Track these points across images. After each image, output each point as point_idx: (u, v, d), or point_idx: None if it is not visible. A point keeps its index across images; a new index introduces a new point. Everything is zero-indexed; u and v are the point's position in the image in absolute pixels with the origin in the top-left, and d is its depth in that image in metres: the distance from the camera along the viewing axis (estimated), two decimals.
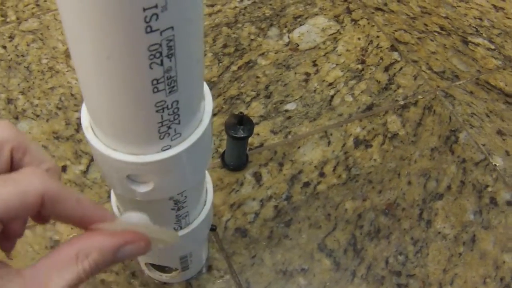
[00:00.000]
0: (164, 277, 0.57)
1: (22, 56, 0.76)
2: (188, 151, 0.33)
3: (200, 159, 0.36)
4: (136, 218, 0.31)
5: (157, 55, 0.25)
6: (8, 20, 0.80)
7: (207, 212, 0.46)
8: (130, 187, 0.34)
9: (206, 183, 0.46)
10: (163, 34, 0.24)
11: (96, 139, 0.32)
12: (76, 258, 0.28)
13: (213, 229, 0.55)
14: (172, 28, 0.24)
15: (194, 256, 0.53)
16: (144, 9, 0.23)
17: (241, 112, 0.60)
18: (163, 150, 0.32)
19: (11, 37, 0.78)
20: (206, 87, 0.35)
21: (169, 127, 0.30)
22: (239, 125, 0.60)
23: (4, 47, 0.76)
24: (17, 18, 0.80)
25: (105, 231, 0.30)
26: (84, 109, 0.33)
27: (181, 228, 0.44)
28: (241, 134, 0.60)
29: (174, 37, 0.25)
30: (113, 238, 0.30)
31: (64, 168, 0.65)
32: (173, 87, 0.28)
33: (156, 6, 0.23)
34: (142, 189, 0.34)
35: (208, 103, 0.34)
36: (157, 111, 0.28)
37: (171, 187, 0.36)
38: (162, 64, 0.26)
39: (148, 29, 0.24)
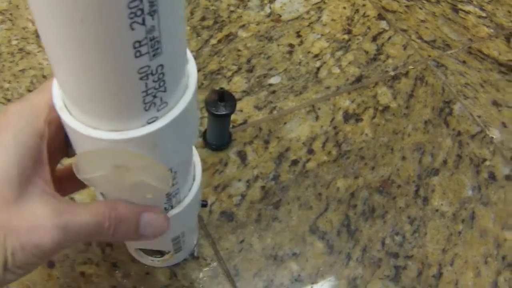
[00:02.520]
0: (156, 261, 0.52)
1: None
2: (177, 121, 0.30)
3: (189, 130, 0.33)
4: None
5: (138, 12, 0.22)
6: None
7: (197, 188, 0.42)
8: (115, 178, 0.31)
9: (194, 156, 0.42)
10: None
11: (72, 119, 0.29)
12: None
13: (204, 205, 0.51)
14: None
15: (186, 236, 0.49)
16: None
17: (222, 88, 0.55)
18: (149, 122, 0.29)
19: None
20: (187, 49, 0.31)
21: (154, 96, 0.27)
22: (220, 102, 0.55)
23: None
24: None
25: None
26: (55, 87, 0.30)
27: (172, 208, 0.40)
28: (222, 111, 0.55)
29: None
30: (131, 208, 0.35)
31: None
32: (157, 49, 0.25)
33: None
34: (129, 178, 0.31)
35: (192, 65, 0.31)
36: (140, 78, 0.26)
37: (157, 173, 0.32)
38: (144, 23, 0.23)
39: None
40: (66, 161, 0.39)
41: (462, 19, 0.79)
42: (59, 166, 0.38)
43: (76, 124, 0.29)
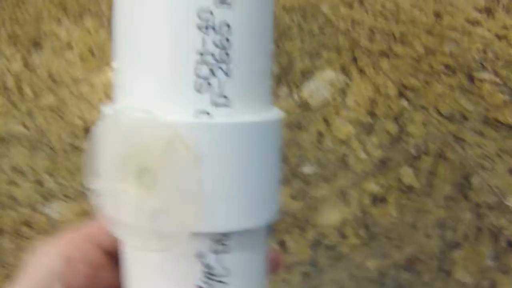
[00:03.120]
0: None
1: (44, 134, 0.79)
2: (237, 135, 0.22)
3: (251, 172, 0.23)
4: None
5: None
6: (25, 96, 0.83)
7: None
8: (136, 195, 0.22)
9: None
10: None
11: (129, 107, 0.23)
12: None
13: None
14: None
15: None
16: None
17: None
18: (196, 116, 0.22)
19: (30, 115, 0.81)
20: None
21: (212, 72, 0.21)
22: None
23: (25, 126, 0.79)
24: (34, 94, 0.83)
25: None
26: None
27: None
28: None
29: None
30: None
31: None
32: None
33: None
34: (152, 197, 0.22)
35: (274, 112, 0.25)
36: (198, 26, 0.21)
37: (191, 205, 0.22)
38: None
39: None
40: None
41: (477, 88, 0.85)
42: None
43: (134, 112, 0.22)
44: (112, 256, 0.28)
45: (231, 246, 0.24)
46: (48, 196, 0.73)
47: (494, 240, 0.71)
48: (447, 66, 0.88)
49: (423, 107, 0.83)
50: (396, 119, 0.81)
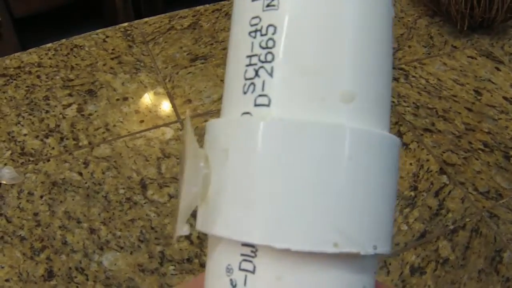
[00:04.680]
0: None
1: (99, 184, 0.85)
2: (283, 132, 0.20)
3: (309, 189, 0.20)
4: None
5: None
6: (80, 144, 0.90)
7: None
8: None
9: None
10: None
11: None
12: None
13: None
14: None
15: None
16: None
17: None
18: (242, 114, 0.22)
19: (86, 163, 0.88)
20: None
21: (257, 73, 0.21)
22: None
23: (80, 174, 0.87)
24: (89, 143, 0.90)
25: None
26: None
27: None
28: None
29: None
30: None
31: None
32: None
33: None
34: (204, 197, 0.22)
35: None
36: (249, 32, 0.21)
37: (240, 211, 0.20)
38: None
39: None
40: None
41: None
42: None
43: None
44: None
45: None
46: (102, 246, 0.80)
47: None
48: (485, 144, 0.95)
49: (461, 183, 0.90)
50: (436, 194, 0.89)
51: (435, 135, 0.96)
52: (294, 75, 0.21)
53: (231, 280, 0.20)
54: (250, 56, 0.21)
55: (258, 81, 0.21)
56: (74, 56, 1.06)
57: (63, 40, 1.10)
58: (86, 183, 0.85)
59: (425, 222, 0.85)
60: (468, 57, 1.13)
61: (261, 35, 0.21)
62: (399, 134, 0.96)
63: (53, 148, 0.90)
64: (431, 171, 0.91)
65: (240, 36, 0.21)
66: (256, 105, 0.21)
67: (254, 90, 0.21)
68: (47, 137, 0.91)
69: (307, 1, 0.20)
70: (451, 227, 0.85)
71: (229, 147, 0.21)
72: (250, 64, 0.21)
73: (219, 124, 0.22)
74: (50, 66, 1.04)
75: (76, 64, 1.04)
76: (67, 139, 0.91)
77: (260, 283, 0.20)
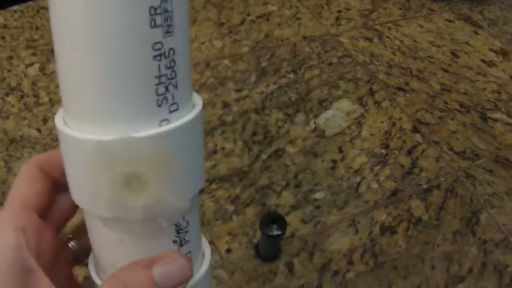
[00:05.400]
0: None
1: (57, 140, 0.80)
2: (189, 131, 0.29)
3: (197, 156, 0.30)
4: None
5: None
6: (40, 101, 0.85)
7: (207, 265, 0.37)
8: (126, 197, 0.27)
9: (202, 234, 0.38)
10: None
11: (78, 132, 0.27)
12: None
13: None
14: None
15: None
16: None
17: (274, 210, 0.64)
18: (161, 125, 0.27)
19: (45, 120, 0.83)
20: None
21: (167, 89, 0.27)
22: (272, 224, 0.65)
23: (39, 130, 0.81)
24: (50, 100, 0.85)
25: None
26: (59, 114, 0.29)
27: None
28: (274, 232, 0.65)
29: None
30: (143, 270, 0.28)
31: None
32: (169, 26, 0.26)
33: None
34: (143, 196, 0.28)
35: (196, 96, 0.31)
36: (154, 57, 0.26)
37: (174, 191, 0.29)
38: None
39: None
40: None
41: (490, 128, 0.87)
42: None
43: (83, 135, 0.27)
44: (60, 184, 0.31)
45: (191, 205, 0.31)
46: None
47: (498, 276, 0.72)
48: (461, 104, 0.90)
49: (436, 143, 0.84)
50: (409, 152, 0.83)
51: (409, 94, 0.91)
52: (188, 84, 0.29)
53: None
54: (158, 77, 0.26)
55: (169, 95, 0.27)
56: (40, 17, 1.00)
57: (30, 3, 1.04)
58: (44, 139, 0.80)
59: (397, 181, 0.80)
60: (446, 20, 1.08)
61: (165, 58, 0.26)
62: (371, 92, 0.90)
63: (13, 105, 0.85)
64: (404, 129, 0.86)
65: (141, 60, 0.25)
66: (170, 112, 0.27)
67: (167, 102, 0.27)
68: (7, 95, 0.87)
69: (187, 45, 0.28)
70: (425, 186, 0.79)
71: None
72: (160, 83, 0.26)
73: (158, 134, 0.27)
74: (16, 28, 0.98)
75: (42, 25, 0.99)
76: (27, 96, 0.86)
77: None
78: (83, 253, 0.33)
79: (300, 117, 0.86)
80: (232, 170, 0.79)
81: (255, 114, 0.86)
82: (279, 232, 0.65)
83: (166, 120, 0.27)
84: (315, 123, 0.86)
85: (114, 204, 0.27)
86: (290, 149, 0.82)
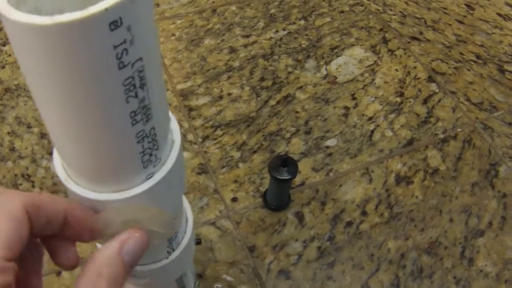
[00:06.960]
0: None
1: None
2: (170, 172, 0.33)
3: (181, 177, 0.37)
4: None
5: (131, 88, 0.26)
6: None
7: (191, 228, 0.46)
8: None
9: (184, 202, 0.46)
10: (134, 66, 0.25)
11: (80, 188, 0.32)
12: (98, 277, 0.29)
13: (198, 242, 0.55)
14: (141, 59, 0.25)
15: (188, 276, 0.53)
16: (115, 47, 0.23)
17: (285, 154, 0.60)
18: (147, 178, 0.32)
19: None
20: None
21: (150, 155, 0.31)
22: (283, 167, 0.60)
23: None
24: None
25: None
26: (57, 160, 0.33)
27: (173, 250, 0.44)
28: (285, 176, 0.60)
29: (144, 67, 0.26)
30: (110, 245, 0.30)
31: None
32: (148, 115, 0.28)
33: (124, 42, 0.24)
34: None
35: (173, 122, 0.35)
36: (138, 141, 0.29)
37: (160, 225, 0.35)
38: (136, 96, 0.27)
39: (121, 65, 0.24)
40: None
41: (508, 80, 0.83)
42: None
43: (85, 192, 0.32)
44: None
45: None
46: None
47: None
48: (478, 56, 0.85)
49: (452, 93, 0.80)
50: (425, 101, 0.79)
51: (423, 43, 0.86)
52: (165, 138, 0.32)
53: None
54: (143, 151, 0.30)
55: (152, 158, 0.31)
56: None
57: None
58: None
59: (412, 129, 0.75)
60: None
61: (147, 137, 0.29)
62: (384, 41, 0.85)
63: (9, 55, 0.82)
64: (418, 78, 0.81)
65: (128, 151, 0.29)
66: (154, 166, 0.32)
67: (151, 162, 0.31)
68: (4, 45, 0.83)
69: (164, 106, 0.31)
70: (441, 136, 0.75)
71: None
72: (144, 154, 0.30)
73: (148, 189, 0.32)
74: None
75: None
76: None
77: None
78: None
79: (311, 63, 0.81)
80: (238, 116, 0.74)
81: (263, 59, 0.81)
82: (290, 176, 0.60)
83: (151, 173, 0.32)
84: (326, 69, 0.81)
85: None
86: (301, 95, 0.77)
